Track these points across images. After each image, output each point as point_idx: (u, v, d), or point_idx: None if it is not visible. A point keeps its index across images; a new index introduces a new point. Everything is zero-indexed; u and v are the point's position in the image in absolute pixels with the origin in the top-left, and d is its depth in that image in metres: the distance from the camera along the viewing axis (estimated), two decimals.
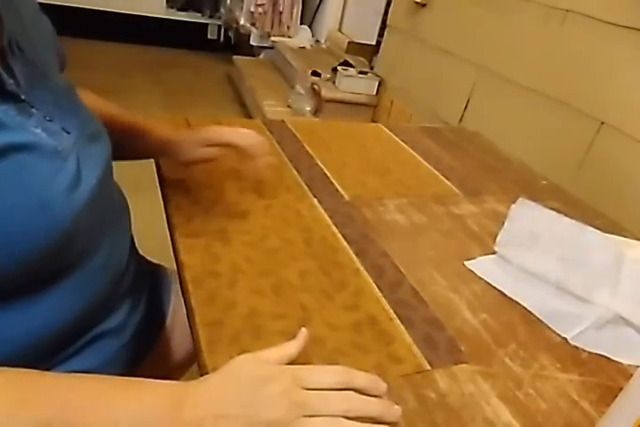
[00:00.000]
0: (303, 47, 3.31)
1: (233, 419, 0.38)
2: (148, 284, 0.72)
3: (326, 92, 2.43)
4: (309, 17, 3.63)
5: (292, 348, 0.45)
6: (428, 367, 0.50)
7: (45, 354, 0.50)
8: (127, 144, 0.72)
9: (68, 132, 0.49)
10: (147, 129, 0.73)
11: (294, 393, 0.39)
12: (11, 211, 0.40)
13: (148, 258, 0.80)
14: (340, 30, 3.44)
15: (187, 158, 0.72)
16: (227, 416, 0.38)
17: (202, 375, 0.46)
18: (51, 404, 0.36)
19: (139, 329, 0.64)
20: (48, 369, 0.50)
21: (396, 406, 0.42)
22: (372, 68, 2.56)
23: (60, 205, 0.44)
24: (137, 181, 0.83)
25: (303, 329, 0.46)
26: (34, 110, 0.46)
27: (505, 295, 0.63)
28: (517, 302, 0.62)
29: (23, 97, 0.45)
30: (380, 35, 2.53)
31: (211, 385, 0.40)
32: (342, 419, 0.39)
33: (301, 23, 3.61)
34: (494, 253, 0.70)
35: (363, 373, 0.42)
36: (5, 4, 0.47)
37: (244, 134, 0.70)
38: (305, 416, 0.38)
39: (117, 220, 0.61)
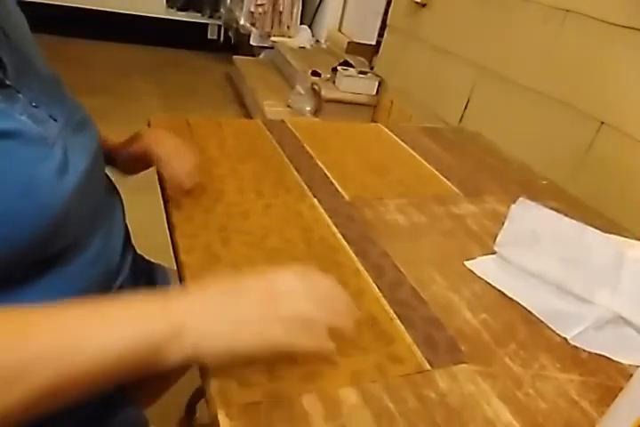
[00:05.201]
0: (303, 47, 3.32)
1: (219, 307, 0.42)
2: (145, 282, 0.72)
3: (326, 92, 2.43)
4: (309, 17, 3.63)
5: None
6: (428, 367, 0.50)
7: None
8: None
9: (55, 120, 0.49)
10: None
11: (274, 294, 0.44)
12: None
13: (148, 258, 0.80)
14: (340, 30, 3.44)
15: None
16: (214, 305, 0.43)
17: (202, 376, 0.46)
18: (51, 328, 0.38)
19: None
20: None
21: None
22: (372, 68, 2.56)
23: (47, 191, 0.44)
24: (137, 181, 0.83)
25: None
26: (20, 96, 0.46)
27: (505, 295, 0.63)
28: (517, 302, 0.62)
29: (9, 82, 0.45)
30: (380, 35, 2.53)
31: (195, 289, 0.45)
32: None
33: (301, 23, 3.61)
34: (494, 253, 0.70)
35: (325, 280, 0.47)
36: None
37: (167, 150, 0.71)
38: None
39: (109, 212, 0.61)
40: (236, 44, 3.99)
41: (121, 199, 0.66)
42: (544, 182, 0.98)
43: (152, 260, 0.81)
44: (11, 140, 0.42)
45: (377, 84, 2.44)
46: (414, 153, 1.01)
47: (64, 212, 0.45)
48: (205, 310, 0.42)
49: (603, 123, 1.31)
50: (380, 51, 2.53)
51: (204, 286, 0.45)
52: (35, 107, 0.47)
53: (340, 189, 0.82)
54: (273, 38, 3.48)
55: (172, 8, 4.04)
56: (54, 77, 0.56)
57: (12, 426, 0.36)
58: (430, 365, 0.51)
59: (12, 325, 0.37)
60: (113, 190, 0.65)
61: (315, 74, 2.60)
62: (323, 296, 0.46)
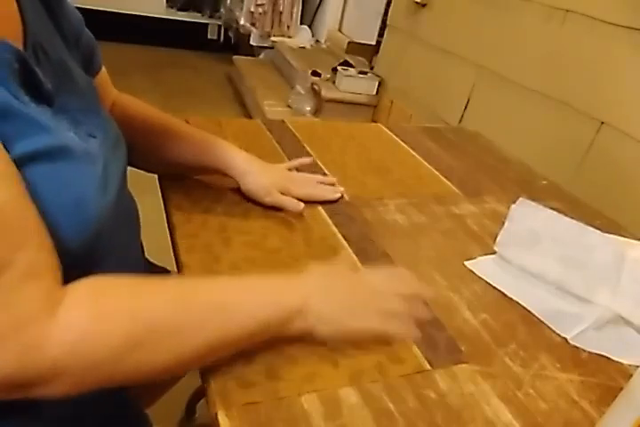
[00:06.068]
0: (303, 47, 3.32)
1: (335, 295, 0.51)
2: None
3: (326, 92, 2.43)
4: (309, 17, 3.63)
5: None
6: (428, 367, 0.50)
7: None
8: (192, 160, 0.72)
9: (94, 137, 0.49)
10: (219, 147, 0.72)
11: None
12: (49, 210, 0.40)
13: (153, 261, 0.79)
14: (340, 30, 3.44)
15: (257, 197, 0.72)
16: (333, 287, 0.51)
17: (202, 376, 0.46)
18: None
19: None
20: None
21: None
22: (372, 68, 2.56)
23: (92, 206, 0.45)
24: (137, 181, 0.83)
25: None
26: (61, 116, 0.46)
27: (505, 295, 0.63)
28: (517, 302, 0.62)
29: (54, 101, 0.45)
30: (380, 35, 2.53)
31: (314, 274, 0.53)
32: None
33: (301, 23, 3.61)
34: (494, 253, 0.70)
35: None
36: (29, 6, 0.47)
37: (319, 194, 0.76)
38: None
39: (130, 225, 0.62)
40: (236, 44, 4.00)
41: (138, 214, 0.66)
42: (544, 182, 0.98)
43: (157, 263, 0.81)
44: (64, 156, 0.43)
45: (377, 84, 2.44)
46: (414, 153, 1.01)
47: (101, 226, 0.46)
48: (324, 295, 0.50)
49: (603, 123, 1.31)
50: (380, 51, 2.53)
51: (321, 274, 0.53)
52: (75, 127, 0.47)
53: None
54: (273, 38, 3.48)
55: (172, 8, 4.04)
56: (91, 87, 0.56)
57: (180, 374, 0.45)
58: (430, 365, 0.51)
59: (183, 286, 0.46)
60: (133, 205, 0.65)
61: (315, 74, 2.60)
62: (409, 294, 0.54)
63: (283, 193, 0.71)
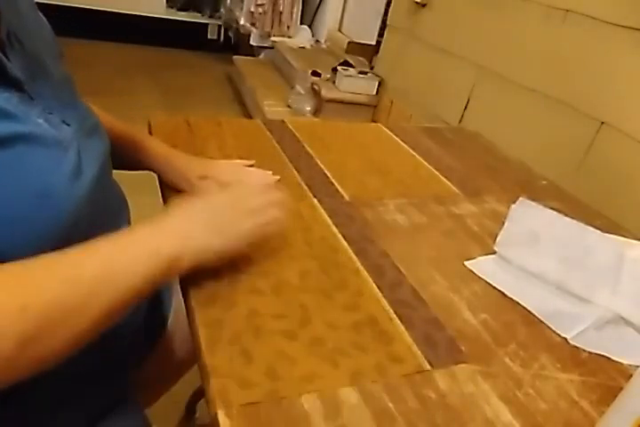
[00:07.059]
0: (303, 47, 3.32)
1: (204, 222, 0.53)
2: None
3: (326, 92, 2.43)
4: (309, 17, 3.63)
5: None
6: (428, 367, 0.50)
7: None
8: (119, 154, 0.73)
9: (68, 125, 0.49)
10: (143, 143, 0.73)
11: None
12: (13, 200, 0.40)
13: None
14: (340, 30, 3.44)
15: (178, 187, 0.73)
16: (200, 221, 0.53)
17: (202, 376, 0.46)
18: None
19: (141, 330, 0.64)
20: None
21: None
22: (372, 68, 2.56)
23: (61, 195, 0.44)
24: (137, 181, 0.83)
25: None
26: (34, 102, 0.46)
27: (505, 295, 0.63)
28: (517, 302, 0.62)
29: (26, 87, 0.45)
30: (380, 35, 2.53)
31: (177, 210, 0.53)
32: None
33: (301, 23, 3.61)
34: (494, 253, 0.70)
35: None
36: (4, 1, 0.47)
37: (242, 175, 0.78)
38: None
39: (116, 216, 0.61)
40: (236, 44, 4.00)
41: (127, 205, 0.66)
42: (544, 182, 0.98)
43: None
44: (28, 143, 0.43)
45: (377, 84, 2.44)
46: (414, 153, 1.01)
47: (76, 216, 0.46)
48: (195, 228, 0.52)
49: (603, 123, 1.31)
50: (380, 51, 2.53)
51: (182, 207, 0.54)
52: (48, 113, 0.47)
53: (339, 189, 0.82)
54: (273, 38, 3.48)
55: (172, 8, 4.04)
56: (68, 82, 0.56)
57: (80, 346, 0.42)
58: (430, 365, 0.51)
59: (69, 265, 0.43)
60: (120, 196, 0.65)
61: (315, 74, 2.60)
62: (265, 191, 0.60)
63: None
